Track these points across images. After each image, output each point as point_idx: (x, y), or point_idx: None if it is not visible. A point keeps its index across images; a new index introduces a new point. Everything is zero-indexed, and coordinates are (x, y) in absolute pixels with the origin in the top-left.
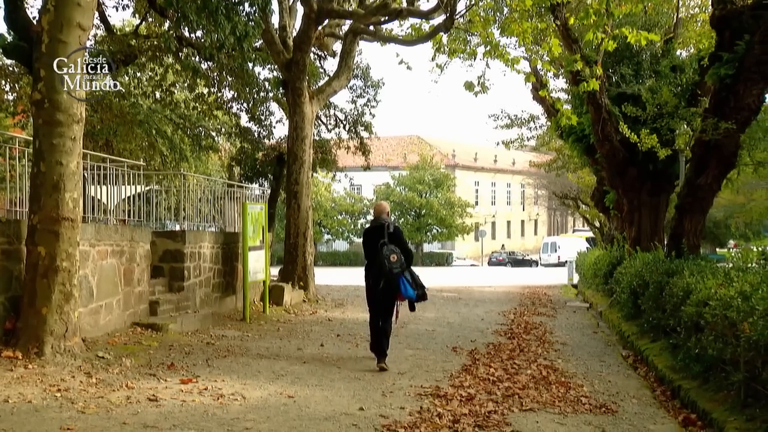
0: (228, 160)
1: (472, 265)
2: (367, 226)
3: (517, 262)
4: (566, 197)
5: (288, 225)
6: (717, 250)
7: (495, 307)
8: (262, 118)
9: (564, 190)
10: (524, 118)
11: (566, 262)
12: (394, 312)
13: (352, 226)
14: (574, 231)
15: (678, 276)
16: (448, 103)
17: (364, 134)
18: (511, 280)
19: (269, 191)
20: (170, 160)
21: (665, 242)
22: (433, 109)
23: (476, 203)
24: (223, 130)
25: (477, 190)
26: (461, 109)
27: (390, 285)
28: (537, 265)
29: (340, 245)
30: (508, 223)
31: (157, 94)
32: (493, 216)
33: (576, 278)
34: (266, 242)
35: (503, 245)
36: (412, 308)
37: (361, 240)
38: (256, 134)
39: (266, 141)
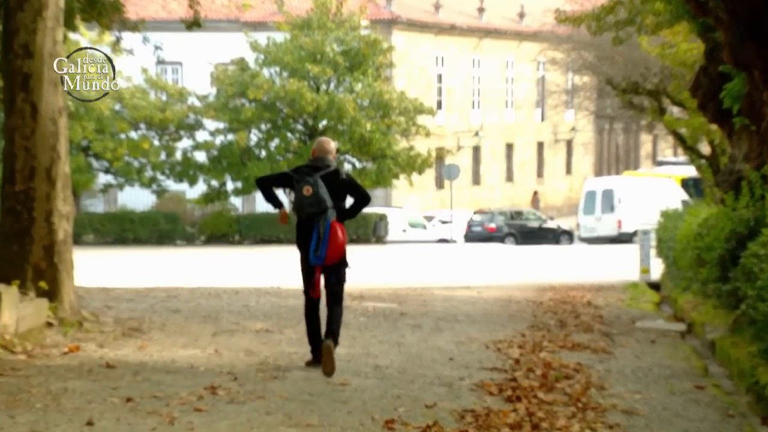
0: None
1: (440, 240)
2: (297, 166)
3: (529, 233)
4: (636, 90)
5: (9, 153)
6: None
7: (478, 331)
8: None
9: (631, 76)
10: None
11: (635, 233)
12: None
13: (164, 156)
14: (657, 164)
15: None
16: None
17: None
18: (513, 273)
19: None
20: None
21: None
22: None
23: (439, 105)
24: None
25: (440, 77)
26: None
27: (311, 233)
28: (571, 240)
29: (136, 197)
30: (509, 148)
31: None
32: (476, 133)
33: (657, 268)
34: None
35: (533, 199)
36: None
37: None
38: None
39: None
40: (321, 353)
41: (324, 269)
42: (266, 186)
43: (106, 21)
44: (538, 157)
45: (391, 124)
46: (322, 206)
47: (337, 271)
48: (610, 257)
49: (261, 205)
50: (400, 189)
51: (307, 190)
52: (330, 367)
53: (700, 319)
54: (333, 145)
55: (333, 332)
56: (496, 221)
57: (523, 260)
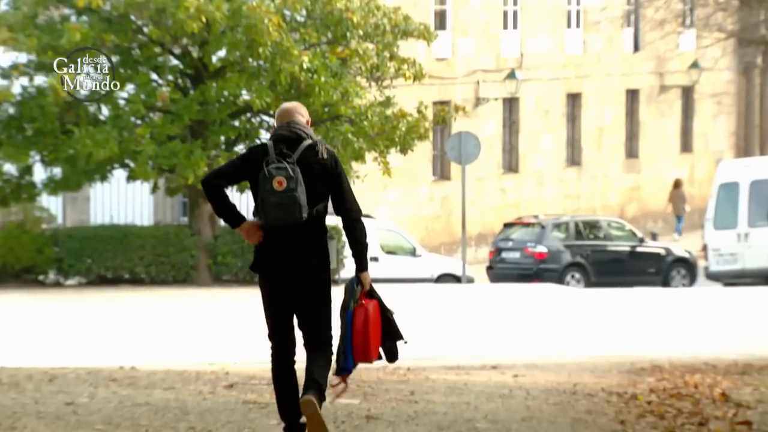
0: None
1: (441, 278)
2: (260, 143)
3: (611, 264)
4: None
5: None
6: None
7: None
8: None
9: None
10: None
11: None
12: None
13: None
14: None
15: None
16: None
17: None
18: (582, 341)
19: None
20: None
21: None
22: None
23: (440, 23)
24: None
25: None
26: None
27: (285, 257)
28: (691, 276)
29: None
30: (572, 102)
31: None
32: (511, 74)
33: None
34: None
35: (673, 196)
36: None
37: None
38: None
39: None
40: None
41: (299, 309)
42: (219, 188)
43: None
44: (628, 120)
45: (349, 56)
46: (294, 214)
47: (316, 303)
48: (765, 310)
49: (99, 211)
50: (367, 181)
51: (279, 183)
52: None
53: None
54: (303, 107)
55: (317, 383)
56: (549, 241)
57: (600, 316)
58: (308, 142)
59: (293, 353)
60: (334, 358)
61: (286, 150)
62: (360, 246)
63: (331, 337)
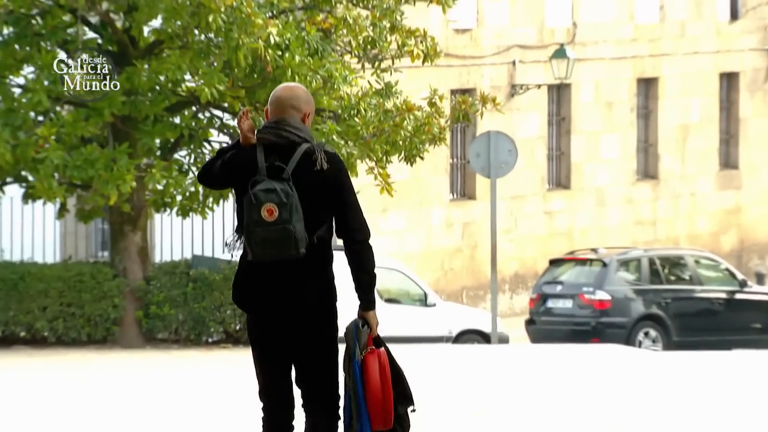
0: None
1: (461, 334)
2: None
3: (701, 316)
4: None
5: None
6: None
7: None
8: None
9: None
10: None
11: None
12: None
13: None
14: None
15: None
16: None
17: None
18: (658, 419)
19: None
20: None
21: None
22: None
23: None
24: None
25: None
26: None
27: (277, 294)
28: None
29: None
30: (644, 89)
31: None
32: (559, 51)
33: None
34: None
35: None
36: None
37: None
38: None
39: None
40: None
41: (297, 360)
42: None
43: None
44: (723, 116)
45: (334, 26)
46: (287, 251)
47: (318, 354)
48: None
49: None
50: (363, 198)
51: (269, 211)
52: None
53: None
54: (304, 93)
55: None
56: (613, 285)
57: (684, 389)
58: (304, 148)
59: (291, 417)
60: (341, 423)
61: (278, 162)
62: (367, 277)
63: (338, 398)
